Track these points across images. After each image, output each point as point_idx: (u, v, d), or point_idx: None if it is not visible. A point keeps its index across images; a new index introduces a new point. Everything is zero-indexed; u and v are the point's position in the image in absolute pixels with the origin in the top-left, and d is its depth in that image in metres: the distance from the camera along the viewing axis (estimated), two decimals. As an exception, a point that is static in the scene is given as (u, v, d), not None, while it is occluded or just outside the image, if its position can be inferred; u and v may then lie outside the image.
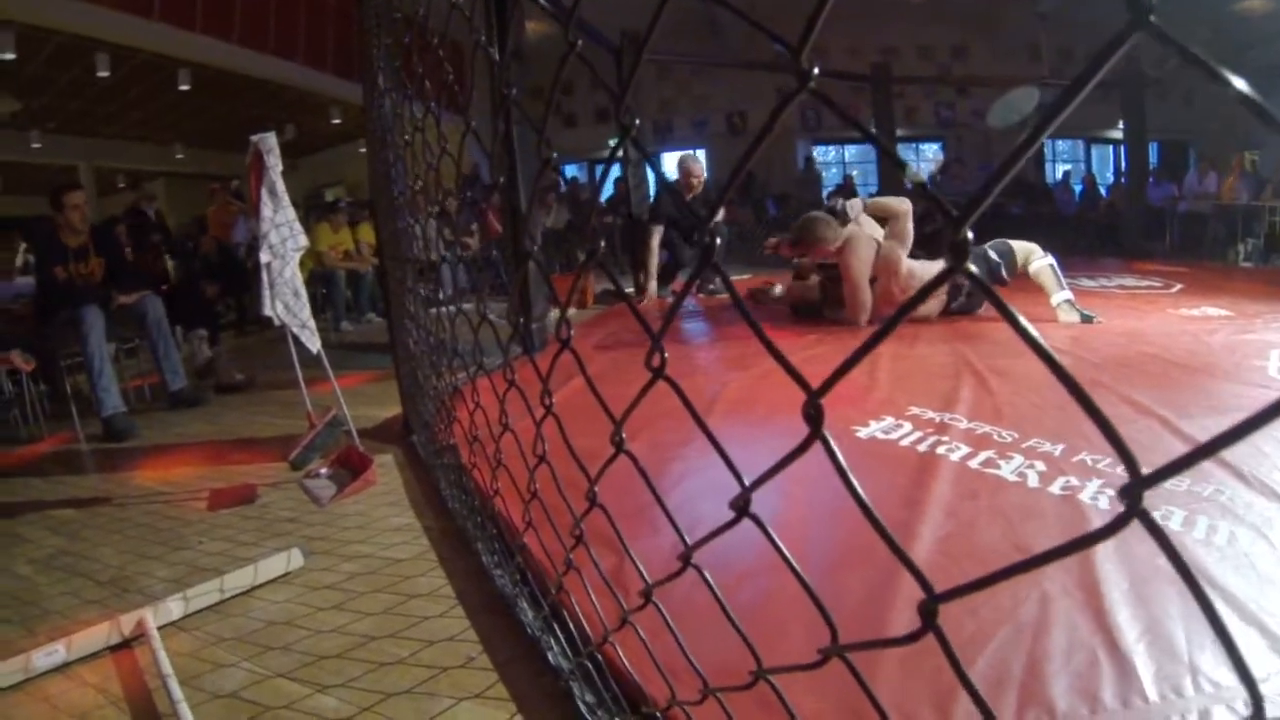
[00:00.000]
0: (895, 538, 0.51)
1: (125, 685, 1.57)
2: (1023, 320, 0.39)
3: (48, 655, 1.61)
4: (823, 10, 0.45)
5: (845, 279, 4.33)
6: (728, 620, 0.74)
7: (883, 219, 4.46)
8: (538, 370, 0.97)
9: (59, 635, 1.68)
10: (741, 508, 0.65)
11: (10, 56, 7.54)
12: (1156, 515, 1.61)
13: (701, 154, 13.77)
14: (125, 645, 1.71)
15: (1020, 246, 4.62)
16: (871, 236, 4.42)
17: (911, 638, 0.52)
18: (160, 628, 1.72)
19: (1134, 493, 0.35)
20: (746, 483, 0.64)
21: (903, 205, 4.42)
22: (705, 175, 6.14)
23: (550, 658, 1.46)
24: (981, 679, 1.30)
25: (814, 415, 0.54)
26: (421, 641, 1.63)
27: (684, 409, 2.55)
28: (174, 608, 1.80)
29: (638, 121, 0.70)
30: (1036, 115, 8.76)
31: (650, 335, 0.67)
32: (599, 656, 1.28)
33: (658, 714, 1.08)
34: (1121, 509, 0.38)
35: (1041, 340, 0.39)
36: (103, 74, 8.59)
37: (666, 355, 0.69)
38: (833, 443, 0.54)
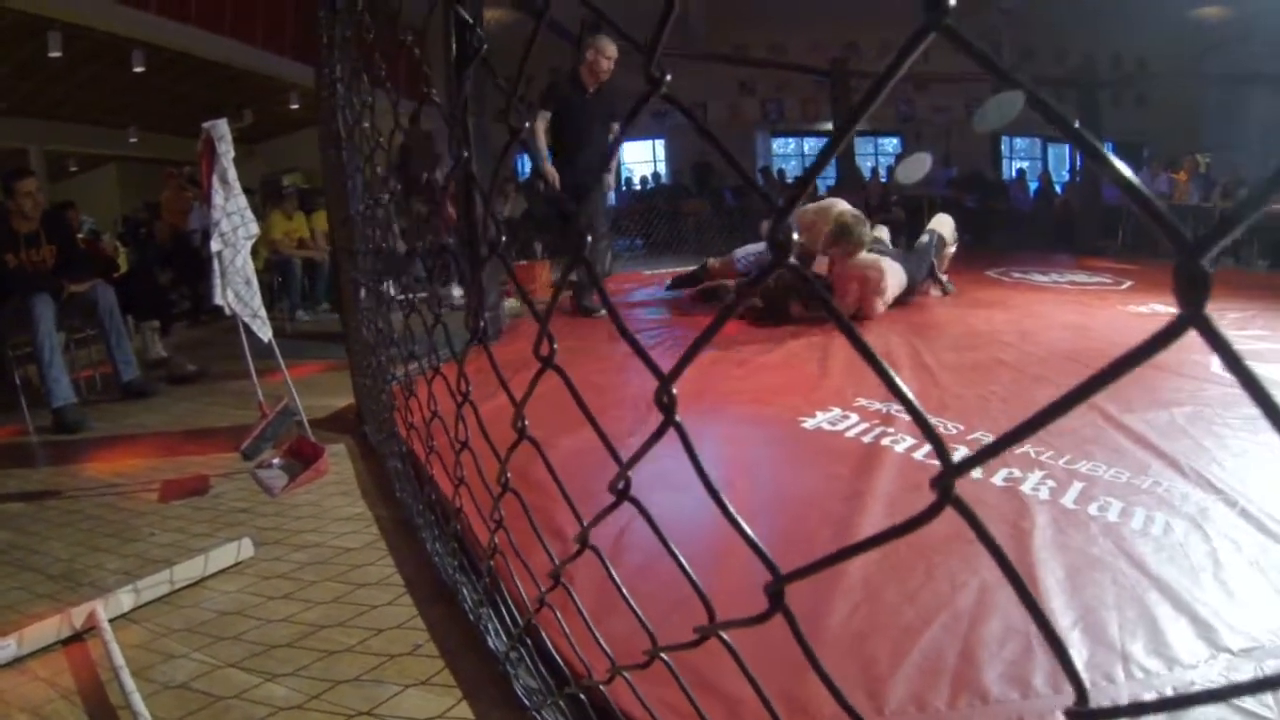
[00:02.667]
0: (741, 520, 0.54)
1: (77, 678, 1.57)
2: (844, 318, 0.46)
3: (-1, 650, 1.60)
4: (669, 16, 0.47)
5: (841, 301, 4.31)
6: (622, 597, 0.77)
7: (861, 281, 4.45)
8: (460, 366, 0.99)
9: (10, 630, 1.67)
10: (620, 491, 0.68)
11: (-44, 34, 7.33)
12: (1093, 506, 1.67)
13: (660, 144, 13.77)
14: (77, 638, 1.70)
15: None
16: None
17: (761, 618, 0.55)
18: (111, 620, 1.72)
19: (944, 482, 0.39)
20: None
21: (880, 272, 4.37)
22: (614, 58, 4.82)
23: (490, 642, 1.49)
24: (916, 666, 1.35)
25: (667, 404, 0.56)
26: (370, 629, 1.65)
27: (634, 398, 2.58)
28: (125, 600, 1.80)
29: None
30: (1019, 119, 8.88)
31: (539, 320, 0.69)
32: (529, 640, 1.31)
33: (580, 694, 1.12)
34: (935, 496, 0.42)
35: (855, 330, 0.45)
36: (54, 54, 8.35)
37: (556, 345, 0.71)
38: (685, 429, 0.57)
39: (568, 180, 4.70)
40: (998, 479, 2.12)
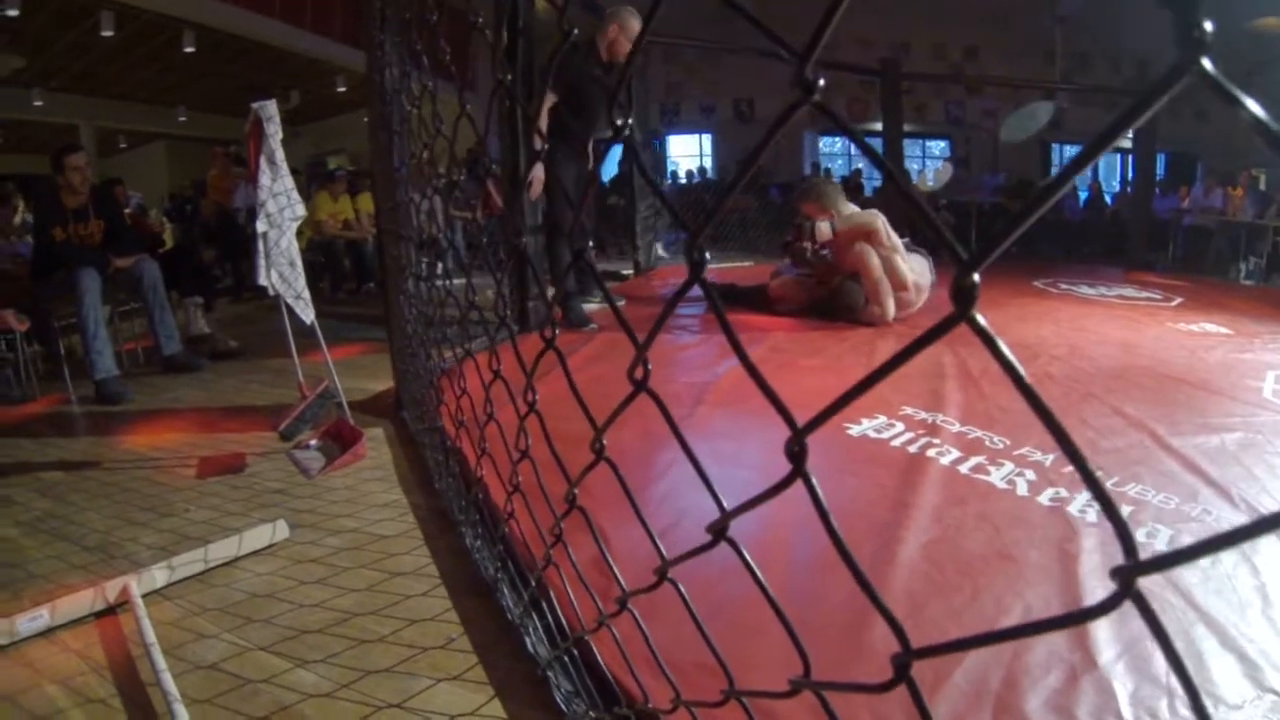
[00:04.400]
0: (871, 583, 0.50)
1: (108, 652, 1.57)
2: (1006, 351, 0.38)
3: (32, 620, 1.61)
4: (833, 17, 0.43)
5: (865, 275, 4.28)
6: (701, 635, 0.74)
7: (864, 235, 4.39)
8: (529, 379, 0.96)
9: (44, 600, 1.68)
10: (719, 532, 0.65)
11: (14, 13, 7.47)
12: (1141, 532, 1.61)
13: (707, 139, 13.69)
14: (110, 612, 1.71)
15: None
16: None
17: (884, 687, 0.51)
18: (144, 595, 1.72)
19: (1128, 578, 0.35)
20: (727, 505, 0.64)
21: (875, 219, 4.36)
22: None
23: (529, 645, 1.47)
24: (959, 691, 1.30)
25: (798, 454, 0.52)
26: (403, 620, 1.64)
27: (677, 396, 2.53)
28: (158, 576, 1.80)
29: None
30: (1049, 129, 8.71)
31: (636, 345, 0.65)
32: (575, 651, 1.28)
33: (630, 715, 1.09)
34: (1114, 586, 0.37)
35: (1022, 371, 0.38)
36: (107, 33, 8.50)
37: (650, 367, 0.67)
38: (815, 483, 0.53)
39: (572, 172, 4.26)
40: (1044, 498, 2.06)
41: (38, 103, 11.39)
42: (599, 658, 1.25)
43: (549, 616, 1.41)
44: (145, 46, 9.94)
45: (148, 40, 9.64)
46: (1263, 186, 9.16)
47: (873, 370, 0.44)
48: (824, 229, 4.38)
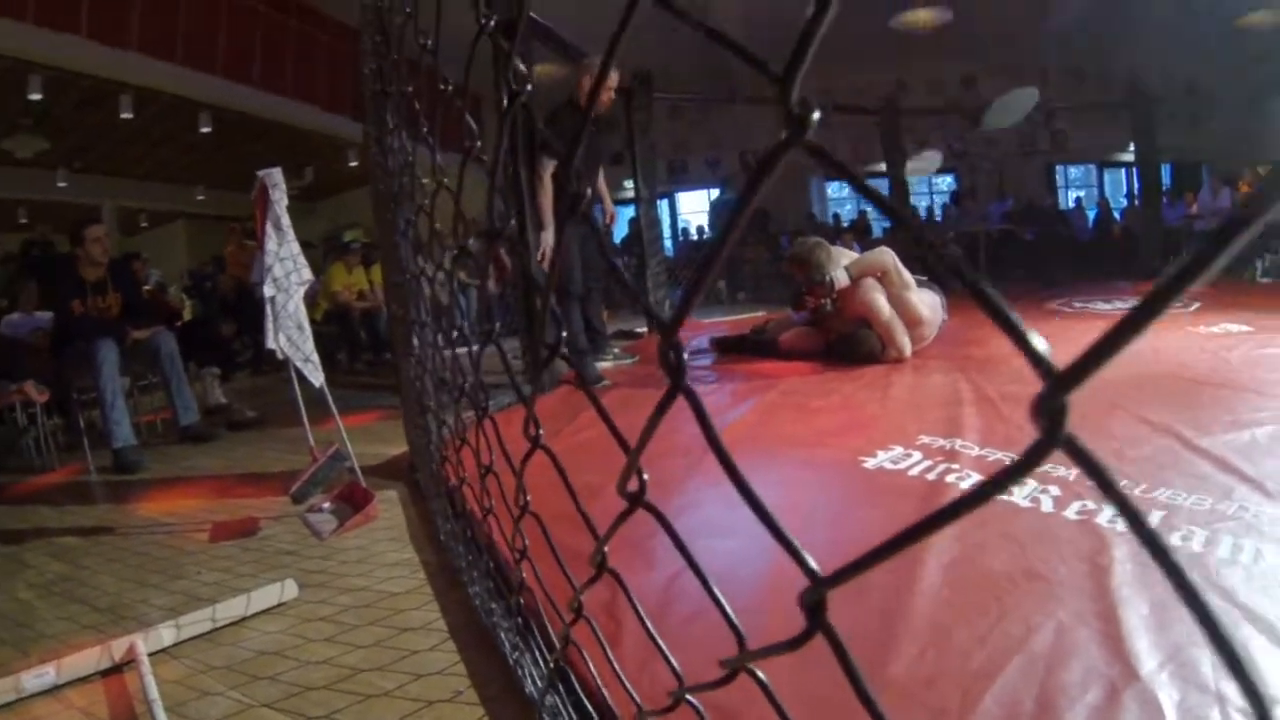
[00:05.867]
0: (779, 520, 0.44)
1: (112, 709, 1.57)
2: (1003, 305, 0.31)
3: (38, 677, 1.62)
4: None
5: (874, 321, 4.24)
6: (647, 633, 0.70)
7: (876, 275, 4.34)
8: (526, 422, 0.90)
9: (50, 658, 1.69)
10: (634, 496, 0.60)
11: (38, 97, 7.72)
12: (1176, 536, 1.54)
13: (715, 193, 13.74)
14: (115, 670, 1.70)
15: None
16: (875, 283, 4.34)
17: (797, 641, 0.44)
18: (151, 654, 1.72)
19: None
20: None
21: (884, 257, 4.34)
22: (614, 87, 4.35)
23: (527, 687, 1.42)
24: (990, 715, 1.24)
25: (674, 364, 0.48)
26: (410, 674, 1.60)
27: (686, 445, 2.48)
28: (166, 635, 1.79)
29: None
30: (1036, 114, 8.63)
31: (580, 376, 0.62)
32: (559, 686, 1.23)
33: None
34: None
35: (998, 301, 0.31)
36: (126, 115, 8.75)
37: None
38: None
39: (578, 232, 4.04)
40: (1071, 512, 1.99)
41: (62, 183, 11.69)
42: (576, 684, 1.20)
43: (537, 653, 1.37)
44: (164, 127, 10.21)
45: (166, 122, 9.89)
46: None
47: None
48: (841, 277, 4.32)
